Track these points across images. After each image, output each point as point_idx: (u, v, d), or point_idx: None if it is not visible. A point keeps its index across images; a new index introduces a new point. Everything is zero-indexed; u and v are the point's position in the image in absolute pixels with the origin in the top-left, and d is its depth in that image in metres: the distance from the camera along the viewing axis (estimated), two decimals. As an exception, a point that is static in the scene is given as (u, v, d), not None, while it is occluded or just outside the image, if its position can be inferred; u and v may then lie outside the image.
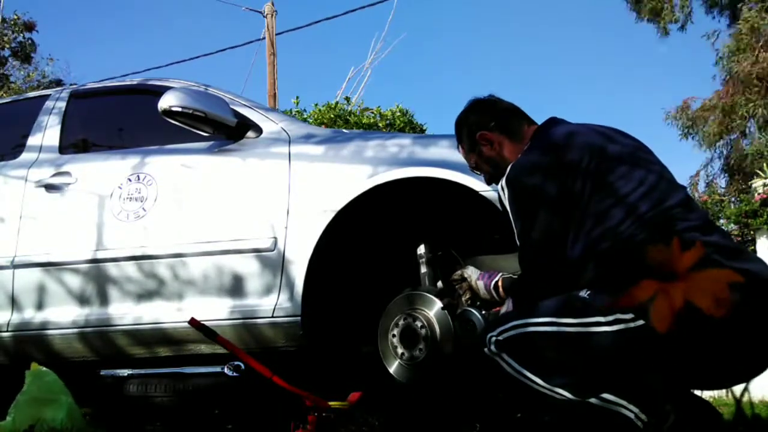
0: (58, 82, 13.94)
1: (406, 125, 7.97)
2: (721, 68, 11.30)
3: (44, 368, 2.29)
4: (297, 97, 8.70)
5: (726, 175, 12.70)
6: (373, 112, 8.20)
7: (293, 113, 7.90)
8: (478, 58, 32.53)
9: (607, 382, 1.38)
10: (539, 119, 1.75)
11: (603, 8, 29.01)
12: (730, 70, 10.88)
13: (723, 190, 11.50)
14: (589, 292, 1.41)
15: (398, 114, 8.01)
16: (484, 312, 1.94)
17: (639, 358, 1.35)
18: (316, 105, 8.17)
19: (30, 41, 14.00)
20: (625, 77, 30.48)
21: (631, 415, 1.36)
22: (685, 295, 1.24)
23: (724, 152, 12.53)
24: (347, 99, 9.08)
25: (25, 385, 2.22)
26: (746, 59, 10.26)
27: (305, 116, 8.21)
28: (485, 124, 1.75)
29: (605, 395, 1.37)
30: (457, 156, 1.95)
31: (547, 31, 31.74)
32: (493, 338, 1.46)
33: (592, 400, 1.38)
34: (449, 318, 2.06)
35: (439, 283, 2.22)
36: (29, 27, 13.97)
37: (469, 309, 1.94)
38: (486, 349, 1.48)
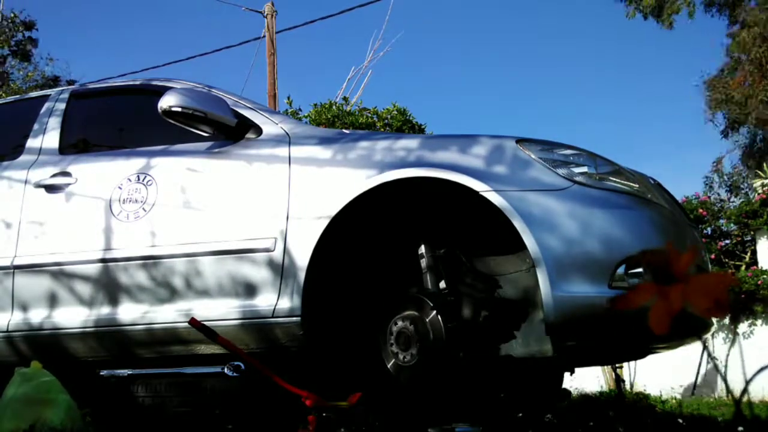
0: (55, 79, 13.92)
1: (403, 124, 7.97)
2: (733, 57, 11.31)
3: (40, 368, 2.28)
4: (289, 97, 8.71)
5: (745, 165, 12.75)
6: (370, 112, 8.20)
7: (288, 113, 7.90)
8: (477, 55, 32.53)
9: None
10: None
11: (603, 3, 28.98)
12: (743, 58, 10.89)
13: (744, 176, 11.51)
14: None
15: (395, 113, 8.01)
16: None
17: None
18: (315, 105, 8.17)
19: (30, 39, 13.98)
20: (628, 69, 30.51)
21: None
22: (684, 297, 1.22)
23: (745, 140, 12.60)
24: (345, 99, 9.09)
25: (13, 384, 2.21)
26: (761, 47, 10.27)
27: (300, 116, 8.21)
28: None
29: None
30: (460, 157, 1.96)
31: (546, 28, 31.76)
32: None
33: None
34: (440, 320, 2.07)
35: (442, 283, 2.22)
36: (29, 26, 13.96)
37: None
38: None
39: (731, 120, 12.14)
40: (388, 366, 2.17)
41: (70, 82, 13.01)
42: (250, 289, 2.33)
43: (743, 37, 10.88)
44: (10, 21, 13.62)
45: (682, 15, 11.66)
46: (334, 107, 8.16)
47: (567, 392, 2.75)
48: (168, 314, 2.39)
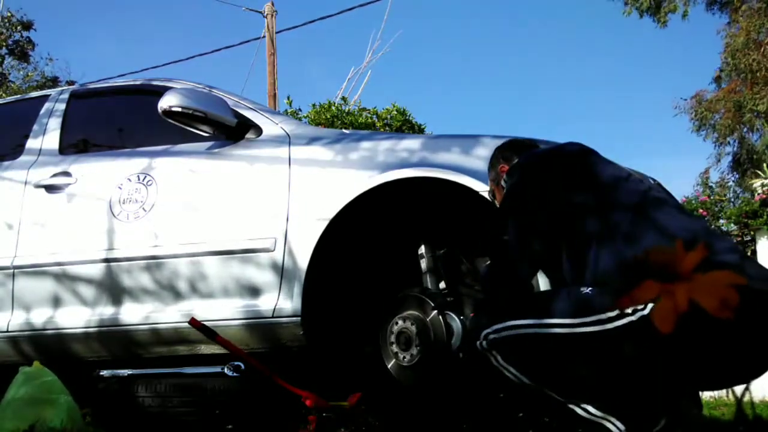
0: (54, 80, 13.91)
1: (403, 124, 7.95)
2: (726, 63, 11.31)
3: (43, 368, 2.29)
4: (288, 98, 8.70)
5: (735, 172, 12.75)
6: (369, 112, 8.19)
7: (287, 113, 7.90)
8: (476, 54, 32.56)
9: (595, 392, 1.37)
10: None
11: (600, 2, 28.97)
12: (736, 65, 10.88)
13: (733, 184, 11.54)
14: (591, 289, 1.38)
15: (395, 113, 8.00)
16: (462, 317, 1.99)
17: (633, 361, 1.33)
18: (314, 105, 8.16)
19: (27, 39, 13.96)
20: (621, 71, 30.51)
21: (616, 430, 1.35)
22: (690, 295, 1.22)
23: (734, 148, 12.61)
24: (344, 99, 9.09)
25: (16, 384, 2.21)
26: (752, 54, 10.26)
27: (300, 116, 8.21)
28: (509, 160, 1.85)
29: (590, 408, 1.37)
30: (461, 158, 1.96)
31: (542, 27, 31.78)
32: (489, 335, 1.48)
33: (579, 411, 1.38)
34: (441, 320, 2.07)
35: (442, 284, 2.22)
36: (26, 26, 13.94)
37: (449, 313, 2.01)
38: (478, 343, 1.51)
39: (718, 132, 12.16)
40: (389, 366, 2.17)
41: (70, 83, 13.02)
42: (250, 290, 2.33)
43: (735, 42, 10.89)
44: (6, 20, 13.59)
45: (687, 13, 11.60)
46: (333, 107, 8.15)
47: None
48: (167, 314, 2.39)
